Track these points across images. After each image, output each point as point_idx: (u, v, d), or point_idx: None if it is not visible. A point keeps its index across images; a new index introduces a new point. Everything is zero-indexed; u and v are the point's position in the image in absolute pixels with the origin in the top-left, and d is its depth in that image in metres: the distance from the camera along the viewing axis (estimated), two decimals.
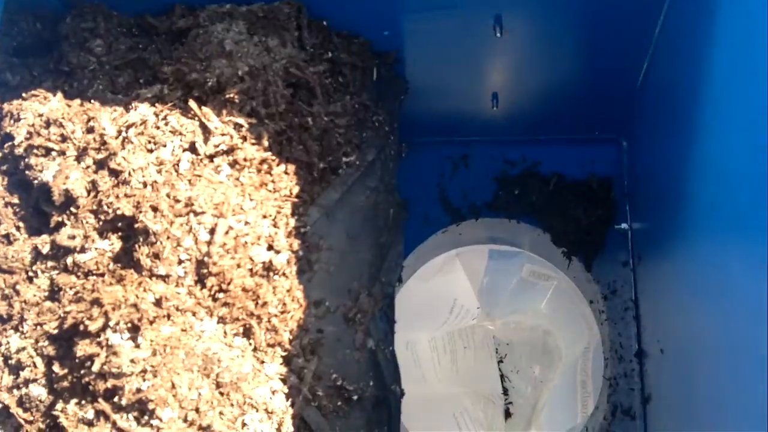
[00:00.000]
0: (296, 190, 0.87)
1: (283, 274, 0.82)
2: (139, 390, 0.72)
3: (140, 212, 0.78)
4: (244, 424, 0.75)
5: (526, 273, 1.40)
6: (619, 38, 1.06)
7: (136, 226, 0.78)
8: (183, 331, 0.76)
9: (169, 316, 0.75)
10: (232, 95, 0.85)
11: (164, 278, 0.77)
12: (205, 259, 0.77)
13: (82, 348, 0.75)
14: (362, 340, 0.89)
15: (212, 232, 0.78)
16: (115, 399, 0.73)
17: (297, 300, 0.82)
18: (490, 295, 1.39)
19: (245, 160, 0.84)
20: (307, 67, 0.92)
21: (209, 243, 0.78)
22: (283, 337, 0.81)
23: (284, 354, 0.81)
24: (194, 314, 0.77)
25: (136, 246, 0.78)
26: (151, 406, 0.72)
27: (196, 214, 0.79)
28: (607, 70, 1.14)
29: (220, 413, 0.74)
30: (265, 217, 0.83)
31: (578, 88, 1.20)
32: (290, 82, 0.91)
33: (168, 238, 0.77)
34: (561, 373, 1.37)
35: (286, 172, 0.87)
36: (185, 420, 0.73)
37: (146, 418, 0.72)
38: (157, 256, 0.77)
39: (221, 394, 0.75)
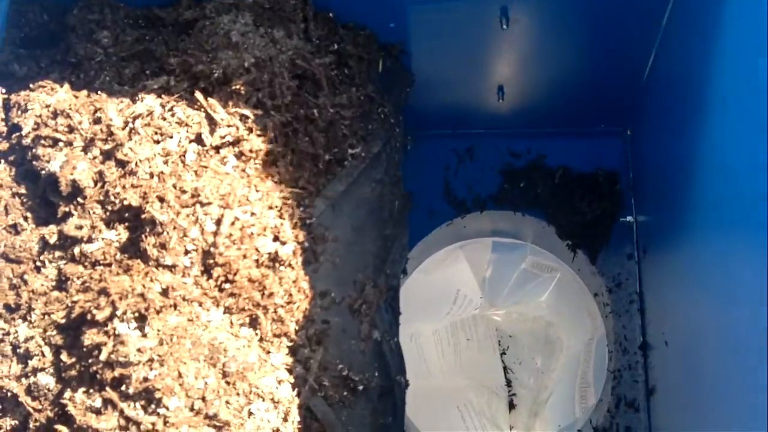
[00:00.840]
0: (302, 181, 0.87)
1: (289, 265, 0.82)
2: (146, 379, 0.72)
3: (147, 203, 0.78)
4: (250, 414, 0.76)
5: (529, 264, 1.40)
6: (626, 29, 1.06)
7: (143, 216, 0.78)
8: (189, 320, 0.76)
9: (175, 306, 0.76)
10: (238, 87, 0.85)
11: (171, 268, 0.77)
12: (212, 249, 0.77)
13: (90, 337, 0.75)
14: (368, 331, 0.90)
15: (218, 222, 0.78)
16: (123, 388, 0.73)
17: (303, 291, 0.83)
18: (493, 286, 1.40)
19: (251, 151, 0.84)
20: (313, 59, 0.92)
21: (215, 234, 0.78)
22: (289, 328, 0.81)
23: (290, 344, 0.81)
24: (200, 304, 0.77)
25: (143, 236, 0.78)
26: (158, 395, 0.72)
27: (202, 204, 0.79)
28: (613, 61, 1.14)
29: (227, 402, 0.75)
30: (270, 208, 0.83)
31: (585, 80, 1.20)
32: (296, 73, 0.91)
33: (174, 228, 0.77)
34: (563, 364, 1.37)
35: (291, 164, 0.87)
36: (192, 409, 0.73)
37: (153, 406, 0.73)
38: (163, 246, 0.77)
39: (227, 383, 0.75)
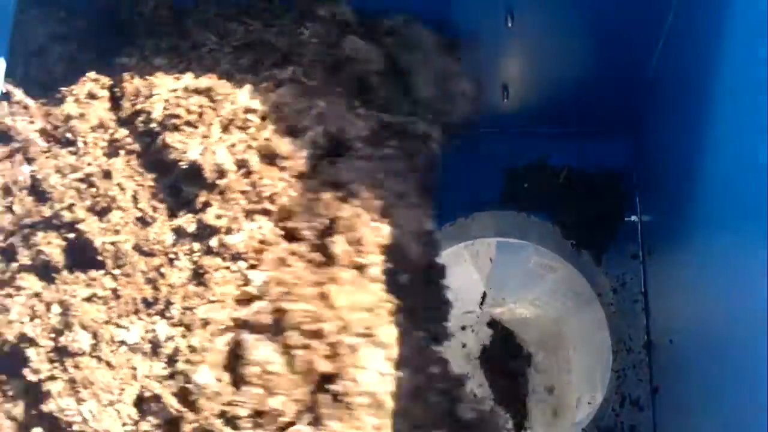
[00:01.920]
0: None
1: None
2: None
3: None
4: None
5: (533, 264, 1.40)
6: (631, 28, 1.06)
7: (338, 215, 0.76)
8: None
9: None
10: None
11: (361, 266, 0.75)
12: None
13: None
14: None
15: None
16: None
17: None
18: (497, 286, 1.40)
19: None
20: None
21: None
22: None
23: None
24: None
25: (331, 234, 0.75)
26: None
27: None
28: (619, 60, 1.14)
29: None
30: None
31: (590, 79, 1.20)
32: None
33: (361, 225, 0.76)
34: (567, 363, 1.37)
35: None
36: None
37: None
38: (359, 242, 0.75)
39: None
